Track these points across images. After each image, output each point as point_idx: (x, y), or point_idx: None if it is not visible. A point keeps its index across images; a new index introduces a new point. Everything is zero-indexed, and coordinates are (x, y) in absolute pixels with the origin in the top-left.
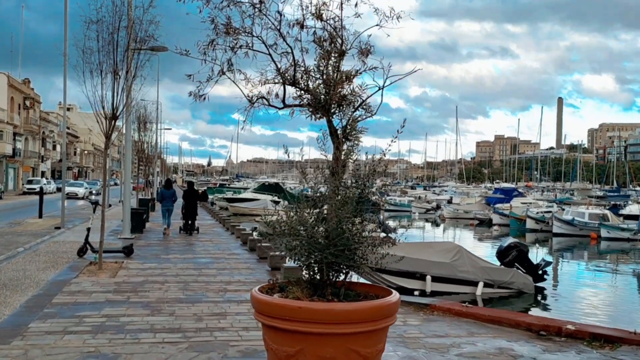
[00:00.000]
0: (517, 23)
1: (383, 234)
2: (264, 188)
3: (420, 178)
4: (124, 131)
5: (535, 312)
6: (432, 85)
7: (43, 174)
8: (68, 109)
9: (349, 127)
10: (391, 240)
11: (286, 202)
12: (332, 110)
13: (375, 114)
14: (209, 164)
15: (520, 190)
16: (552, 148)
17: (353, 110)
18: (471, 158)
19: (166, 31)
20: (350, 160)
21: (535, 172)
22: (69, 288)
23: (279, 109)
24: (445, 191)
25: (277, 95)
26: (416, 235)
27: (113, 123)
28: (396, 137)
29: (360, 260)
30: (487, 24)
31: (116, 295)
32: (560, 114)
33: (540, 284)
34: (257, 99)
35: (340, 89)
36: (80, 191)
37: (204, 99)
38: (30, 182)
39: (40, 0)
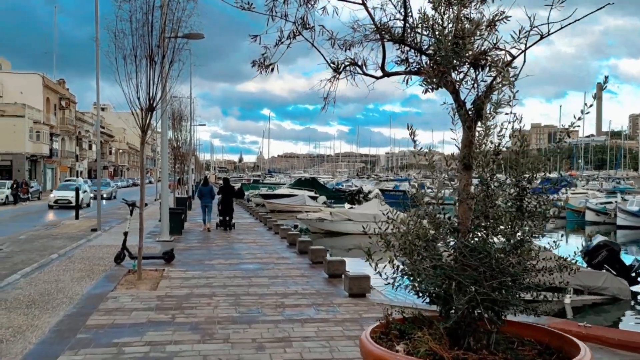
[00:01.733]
0: (548, 8)
1: None
2: (300, 183)
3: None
4: (159, 128)
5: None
6: None
7: (80, 173)
8: (103, 109)
9: (498, 97)
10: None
11: (324, 198)
12: (460, 76)
13: (516, 79)
14: (240, 160)
15: (568, 180)
16: (591, 135)
17: (498, 71)
18: (507, 147)
19: (198, 24)
20: (486, 145)
21: (580, 161)
22: (105, 304)
23: (377, 78)
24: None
25: (364, 63)
26: None
27: (149, 115)
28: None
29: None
30: (518, 10)
31: (159, 313)
32: (599, 100)
33: (635, 288)
34: (345, 67)
35: (472, 44)
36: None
37: (272, 69)
38: (67, 182)
39: (75, 4)
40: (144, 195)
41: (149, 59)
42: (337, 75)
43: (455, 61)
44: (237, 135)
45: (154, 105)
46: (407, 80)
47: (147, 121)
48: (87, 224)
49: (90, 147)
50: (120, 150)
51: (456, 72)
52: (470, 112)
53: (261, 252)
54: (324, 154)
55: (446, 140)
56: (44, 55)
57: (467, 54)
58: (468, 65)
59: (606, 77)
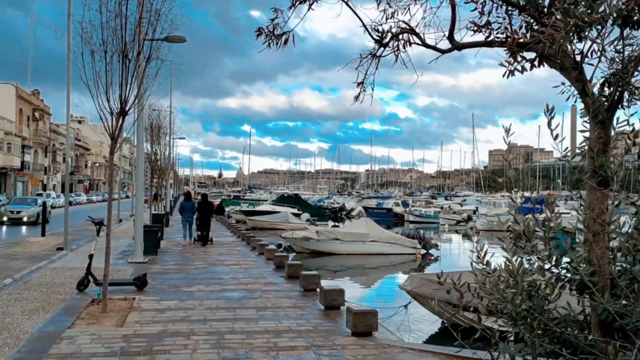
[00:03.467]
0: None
1: (424, 250)
2: (283, 200)
3: (435, 187)
4: (135, 138)
5: None
6: (440, 94)
7: (53, 187)
8: (79, 122)
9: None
10: None
11: (307, 215)
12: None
13: None
14: (220, 175)
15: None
16: (567, 156)
17: None
18: (484, 167)
19: (180, 20)
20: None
21: (559, 181)
22: (58, 347)
23: (443, 51)
24: (465, 200)
25: (411, 32)
26: (454, 251)
27: (121, 120)
28: None
29: None
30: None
31: None
32: (574, 121)
33: None
34: (393, 37)
35: None
36: None
37: (286, 41)
38: (39, 195)
39: (54, 17)
40: (111, 212)
41: (121, 56)
42: (381, 49)
43: (586, 19)
44: (217, 150)
45: (127, 109)
46: (513, 53)
47: (118, 127)
48: (54, 242)
49: (64, 160)
50: (97, 164)
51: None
52: (601, 97)
53: (246, 276)
54: (304, 170)
55: (426, 159)
56: (19, 65)
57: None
58: (599, 25)
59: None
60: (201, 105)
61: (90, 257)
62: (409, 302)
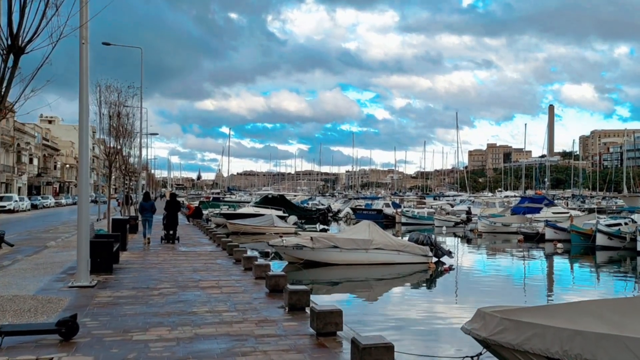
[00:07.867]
0: (494, 36)
1: (435, 258)
2: (266, 201)
3: (417, 188)
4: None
5: None
6: (416, 96)
7: (19, 190)
8: (50, 122)
9: None
10: None
11: (294, 217)
12: None
13: None
14: (199, 177)
15: (549, 199)
16: (544, 156)
17: None
18: (464, 167)
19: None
20: None
21: (546, 180)
22: None
23: None
24: (455, 200)
25: None
26: (467, 258)
27: (12, 62)
28: None
29: None
30: (466, 37)
31: None
32: (552, 122)
33: None
34: None
35: None
36: None
37: None
38: (0, 199)
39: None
40: None
41: None
42: None
43: None
44: (196, 152)
45: (21, 42)
46: None
47: (6, 75)
48: None
49: (31, 161)
50: (67, 165)
51: None
52: None
53: (229, 307)
54: (285, 172)
55: (408, 159)
56: None
57: None
58: None
59: None
60: (180, 107)
61: None
62: (480, 354)
